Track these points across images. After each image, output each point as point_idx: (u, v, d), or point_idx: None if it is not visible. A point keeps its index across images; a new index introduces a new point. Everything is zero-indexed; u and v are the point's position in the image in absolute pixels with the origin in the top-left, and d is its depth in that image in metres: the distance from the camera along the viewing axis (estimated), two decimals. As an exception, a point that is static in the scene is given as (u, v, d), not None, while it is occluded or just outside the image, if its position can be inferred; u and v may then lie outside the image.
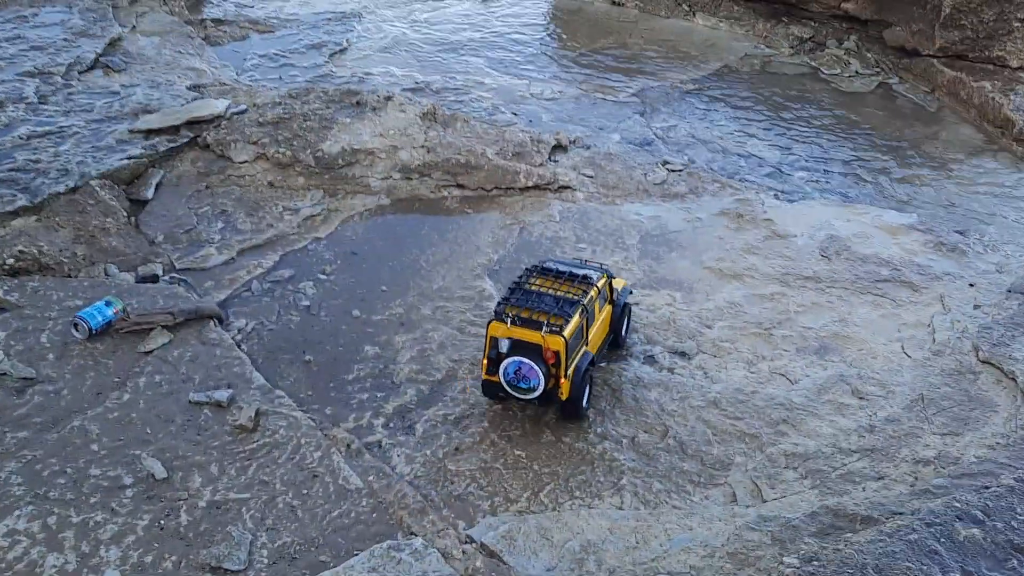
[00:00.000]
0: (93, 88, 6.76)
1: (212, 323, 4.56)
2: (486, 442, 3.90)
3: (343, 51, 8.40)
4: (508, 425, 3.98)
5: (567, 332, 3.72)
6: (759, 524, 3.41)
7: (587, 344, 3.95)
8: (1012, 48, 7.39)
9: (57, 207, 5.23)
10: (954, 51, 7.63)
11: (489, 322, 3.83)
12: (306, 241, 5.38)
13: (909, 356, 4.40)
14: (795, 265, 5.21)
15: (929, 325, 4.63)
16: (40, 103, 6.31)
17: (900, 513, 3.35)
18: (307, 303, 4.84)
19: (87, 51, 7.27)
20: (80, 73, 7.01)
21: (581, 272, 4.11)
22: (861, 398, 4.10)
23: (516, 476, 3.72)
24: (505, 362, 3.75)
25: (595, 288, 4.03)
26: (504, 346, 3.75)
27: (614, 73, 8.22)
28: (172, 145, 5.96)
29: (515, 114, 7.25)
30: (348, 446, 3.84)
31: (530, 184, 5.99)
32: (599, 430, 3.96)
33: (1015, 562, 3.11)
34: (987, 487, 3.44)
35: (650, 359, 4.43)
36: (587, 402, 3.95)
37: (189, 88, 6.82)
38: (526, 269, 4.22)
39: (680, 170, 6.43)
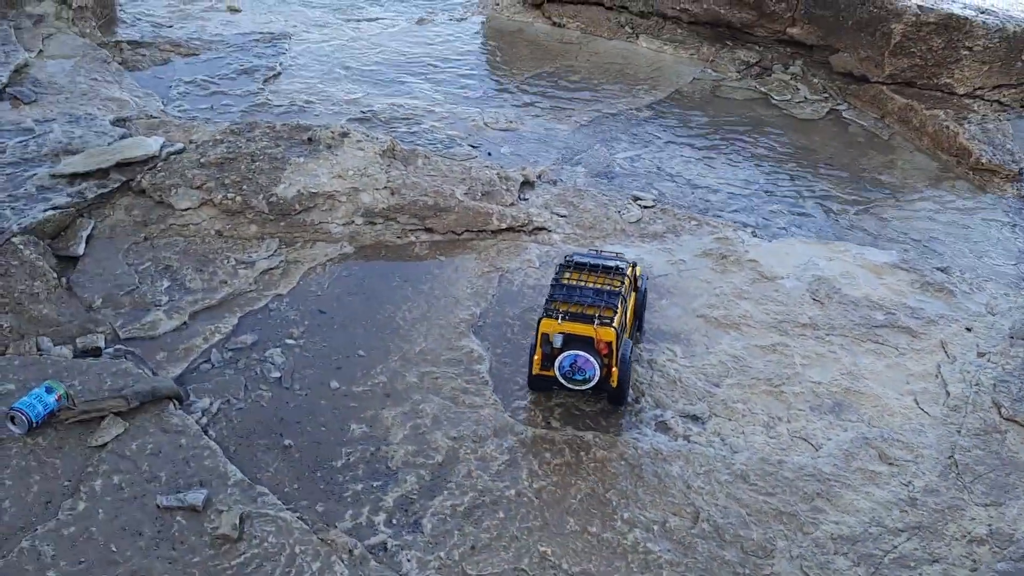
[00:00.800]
0: (2, 123, 6.02)
1: (172, 404, 4.00)
2: (505, 538, 3.50)
3: (276, 76, 7.81)
4: (526, 515, 3.60)
5: (617, 323, 3.92)
6: (815, 619, 3.16)
7: (627, 332, 4.17)
8: (959, 76, 7.47)
9: (-26, 270, 4.56)
10: (903, 78, 7.67)
11: (540, 319, 3.94)
12: (266, 299, 4.85)
13: (927, 413, 4.25)
14: (789, 311, 5.01)
15: (938, 376, 4.50)
16: (-60, 144, 5.57)
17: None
18: (277, 374, 4.33)
19: (-10, 80, 6.51)
20: (-16, 106, 6.27)
21: (612, 264, 4.30)
22: (890, 463, 3.91)
23: (543, 576, 3.35)
24: (560, 356, 3.90)
25: (628, 278, 4.24)
26: (558, 341, 3.88)
27: (565, 99, 7.94)
28: (102, 191, 5.30)
29: (473, 146, 6.86)
30: (350, 552, 3.37)
31: (503, 226, 5.62)
32: (625, 515, 3.62)
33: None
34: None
35: (663, 426, 4.13)
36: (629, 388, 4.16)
37: (113, 123, 6.15)
38: (560, 265, 4.34)
39: (652, 206, 6.18)
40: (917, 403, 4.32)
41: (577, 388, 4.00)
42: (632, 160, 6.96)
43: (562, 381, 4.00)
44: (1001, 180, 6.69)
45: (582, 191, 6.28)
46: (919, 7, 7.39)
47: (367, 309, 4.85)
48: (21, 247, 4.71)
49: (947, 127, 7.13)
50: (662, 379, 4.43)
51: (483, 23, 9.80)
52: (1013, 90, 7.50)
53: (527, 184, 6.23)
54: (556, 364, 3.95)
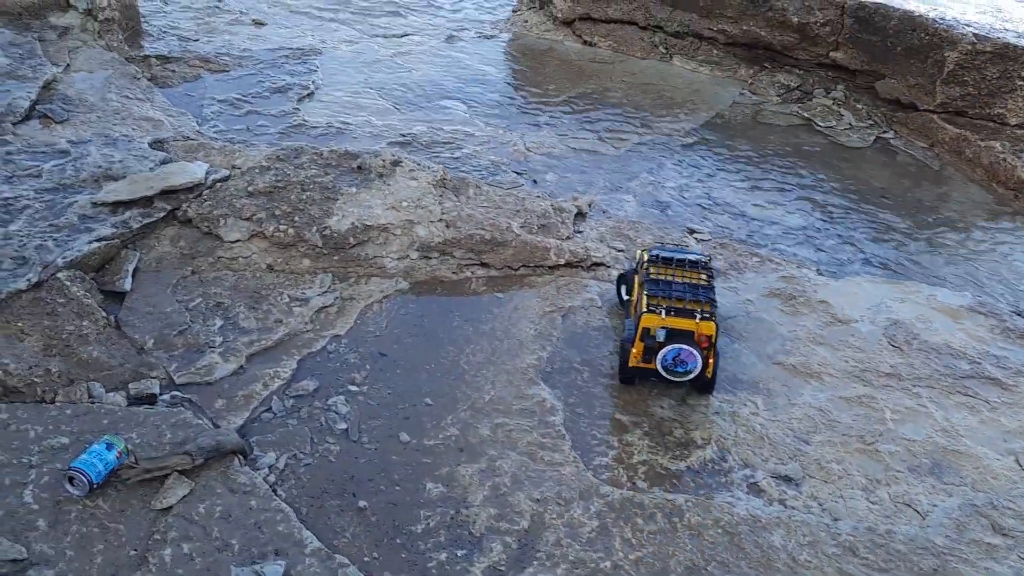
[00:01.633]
0: (35, 145, 5.74)
1: (237, 460, 3.74)
2: (607, 617, 3.28)
3: (310, 95, 7.58)
4: (626, 590, 3.38)
5: (715, 317, 4.10)
6: None
7: None
8: (1013, 106, 7.30)
9: (19, 309, 4.27)
10: (954, 107, 7.49)
11: (640, 314, 4.08)
12: (324, 340, 4.60)
13: (1031, 475, 4.04)
14: (869, 358, 4.80)
15: (1035, 433, 4.30)
16: (-27, 167, 5.29)
17: None
18: (343, 426, 4.08)
19: (19, 97, 6.20)
20: (14, 124, 5.98)
21: (693, 257, 4.51)
22: (1005, 535, 3.70)
23: (651, 661, 3.12)
24: (664, 350, 4.04)
25: (712, 271, 4.46)
26: (661, 335, 4.03)
27: (605, 122, 7.73)
28: (147, 221, 5.04)
29: (517, 173, 6.64)
30: (444, 634, 3.15)
31: (561, 262, 5.39)
32: (731, 592, 3.40)
33: None
34: None
35: (755, 488, 3.91)
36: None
37: (152, 145, 5.89)
38: (647, 261, 4.49)
39: (709, 239, 5.97)
40: (1019, 464, 4.11)
41: (677, 380, 4.22)
42: (681, 190, 6.75)
43: (663, 373, 4.19)
44: (1062, 216, 6.53)
45: (636, 223, 6.06)
46: (975, 35, 7.21)
47: (429, 351, 4.61)
48: (67, 283, 4.45)
49: (1004, 159, 6.95)
50: (747, 435, 4.20)
51: (512, 41, 9.60)
52: (1067, 122, 7.35)
53: (580, 215, 6.01)
54: (659, 357, 4.14)
